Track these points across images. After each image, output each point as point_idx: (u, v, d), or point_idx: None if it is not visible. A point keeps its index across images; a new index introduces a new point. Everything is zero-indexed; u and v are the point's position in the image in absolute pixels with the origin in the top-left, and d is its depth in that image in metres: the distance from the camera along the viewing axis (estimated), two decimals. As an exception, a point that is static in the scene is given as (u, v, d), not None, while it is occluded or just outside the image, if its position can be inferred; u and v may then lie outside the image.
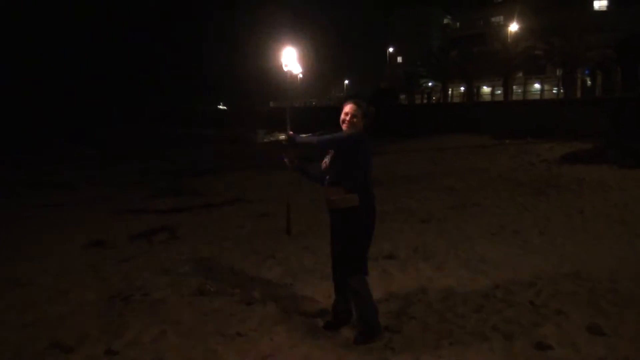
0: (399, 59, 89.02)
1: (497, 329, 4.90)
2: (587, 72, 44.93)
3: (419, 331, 4.89)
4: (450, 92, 60.85)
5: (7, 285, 6.82)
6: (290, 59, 4.99)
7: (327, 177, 4.68)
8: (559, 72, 48.34)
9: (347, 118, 4.64)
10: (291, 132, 4.84)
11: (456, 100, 59.00)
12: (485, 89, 61.58)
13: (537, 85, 56.23)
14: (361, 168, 4.56)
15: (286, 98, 5.29)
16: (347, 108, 4.67)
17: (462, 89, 60.64)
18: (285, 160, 4.93)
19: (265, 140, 54.03)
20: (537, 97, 49.69)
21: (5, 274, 7.36)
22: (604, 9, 61.27)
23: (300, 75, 5.09)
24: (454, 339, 4.71)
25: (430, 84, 66.04)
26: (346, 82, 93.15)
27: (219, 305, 5.71)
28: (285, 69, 5.03)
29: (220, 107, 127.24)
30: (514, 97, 50.19)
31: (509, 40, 51.49)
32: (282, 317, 5.29)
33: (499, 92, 53.59)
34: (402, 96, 66.37)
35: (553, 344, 4.56)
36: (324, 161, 4.75)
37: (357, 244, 4.64)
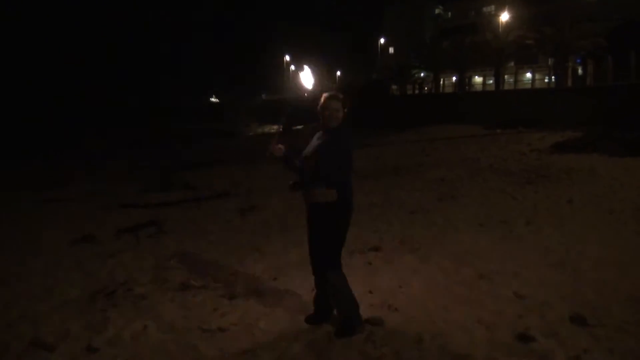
0: (391, 50, 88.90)
1: (481, 320, 4.88)
2: (578, 61, 44.88)
3: (401, 324, 4.87)
4: (442, 82, 60.77)
5: (-8, 282, 6.78)
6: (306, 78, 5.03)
7: (307, 170, 4.62)
8: (550, 62, 48.29)
9: (331, 114, 4.59)
10: (280, 147, 4.76)
11: (448, 90, 58.93)
12: (477, 79, 61.51)
13: (528, 75, 56.18)
14: (341, 163, 4.52)
15: (286, 115, 5.35)
16: (328, 103, 4.61)
17: (454, 79, 60.56)
18: (271, 152, 4.81)
19: (257, 133, 53.90)
20: (529, 86, 49.61)
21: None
22: (595, -2, 61.33)
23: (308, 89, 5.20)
24: (437, 331, 4.69)
25: (422, 74, 65.93)
26: (338, 73, 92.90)
27: (202, 300, 5.69)
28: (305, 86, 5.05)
29: (213, 99, 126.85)
30: (506, 87, 50.14)
31: (500, 30, 51.44)
32: (264, 312, 5.27)
33: (491, 81, 53.52)
34: (394, 87, 66.27)
35: (536, 335, 4.55)
36: (304, 154, 4.69)
37: (333, 239, 4.62)
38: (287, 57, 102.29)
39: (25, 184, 17.65)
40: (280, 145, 4.75)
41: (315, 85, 5.12)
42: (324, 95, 4.68)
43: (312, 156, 4.56)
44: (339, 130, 4.60)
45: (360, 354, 4.34)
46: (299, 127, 44.54)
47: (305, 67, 5.32)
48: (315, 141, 4.67)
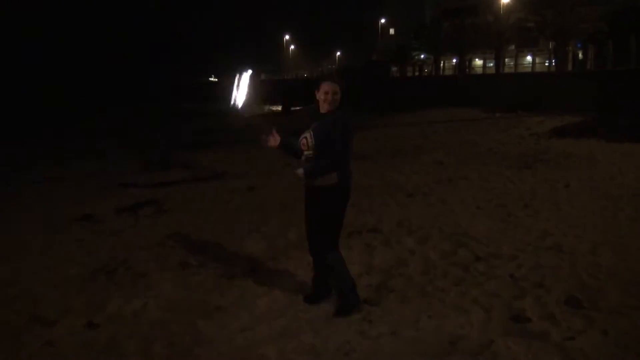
0: (391, 31, 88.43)
1: (477, 301, 4.93)
2: (579, 45, 44.74)
3: (398, 304, 4.93)
4: (442, 64, 60.59)
5: (-7, 261, 6.83)
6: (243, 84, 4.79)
7: (306, 153, 4.65)
8: (551, 45, 48.12)
9: (329, 97, 4.60)
10: (275, 135, 4.77)
11: (448, 72, 58.76)
12: (478, 62, 61.27)
13: (529, 58, 56.07)
14: (340, 146, 4.50)
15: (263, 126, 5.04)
16: (327, 87, 4.62)
17: (454, 61, 60.36)
18: (265, 138, 4.82)
19: (256, 113, 53.77)
20: (529, 69, 49.54)
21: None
22: (598, -19, 61.01)
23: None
24: (433, 312, 4.74)
25: (422, 56, 65.70)
26: (338, 53, 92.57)
27: (201, 279, 5.75)
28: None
29: (212, 79, 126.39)
30: (506, 70, 50.01)
31: (501, 12, 51.21)
32: (263, 291, 5.32)
33: (491, 64, 53.40)
34: (394, 68, 66.05)
35: (531, 317, 4.60)
36: (303, 137, 4.69)
37: (332, 221, 4.67)
38: (287, 37, 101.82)
39: (26, 162, 17.71)
40: (275, 134, 4.77)
41: (249, 98, 4.81)
42: (325, 81, 4.69)
43: (310, 139, 4.58)
44: (337, 112, 4.62)
45: (358, 333, 4.39)
46: (298, 108, 44.48)
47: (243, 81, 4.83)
48: (314, 124, 4.67)
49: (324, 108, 4.63)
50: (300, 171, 4.52)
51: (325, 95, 4.61)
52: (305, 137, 4.63)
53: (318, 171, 4.51)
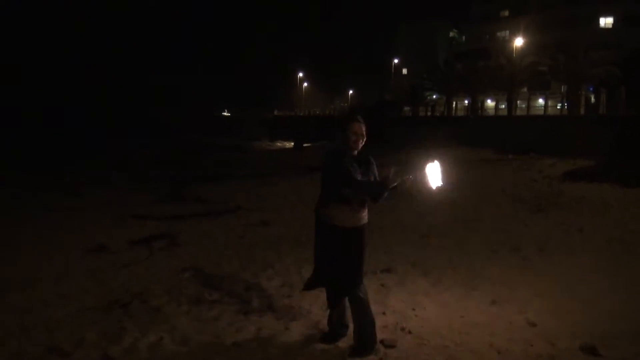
0: (404, 71, 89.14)
1: (493, 345, 4.92)
2: (591, 89, 44.88)
3: (414, 346, 4.92)
4: (454, 105, 60.83)
5: (7, 288, 6.87)
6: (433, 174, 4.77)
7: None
8: (563, 89, 48.31)
9: (360, 139, 4.74)
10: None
11: (460, 113, 58.96)
12: (490, 103, 61.53)
13: (541, 101, 56.20)
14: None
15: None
16: (358, 128, 4.72)
17: (467, 102, 60.65)
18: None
19: (270, 148, 54.07)
20: (541, 112, 49.61)
21: (6, 276, 7.41)
22: (610, 26, 61.57)
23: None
24: (449, 355, 4.73)
25: (434, 96, 66.09)
26: (350, 92, 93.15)
27: (217, 314, 5.76)
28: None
29: (225, 114, 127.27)
30: (518, 112, 50.16)
31: (514, 55, 51.58)
32: (279, 329, 5.32)
33: (503, 106, 53.51)
34: (406, 108, 66.43)
35: (547, 363, 4.58)
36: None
37: (364, 256, 4.82)
38: (300, 74, 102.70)
39: (40, 190, 17.84)
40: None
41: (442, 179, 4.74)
42: (354, 121, 4.78)
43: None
44: (366, 151, 4.83)
45: (374, 375, 4.39)
46: (308, 144, 44.68)
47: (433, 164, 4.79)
48: (364, 166, 4.81)
49: (353, 148, 4.73)
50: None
51: (357, 136, 4.74)
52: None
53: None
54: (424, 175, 4.68)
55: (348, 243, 4.74)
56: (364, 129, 4.75)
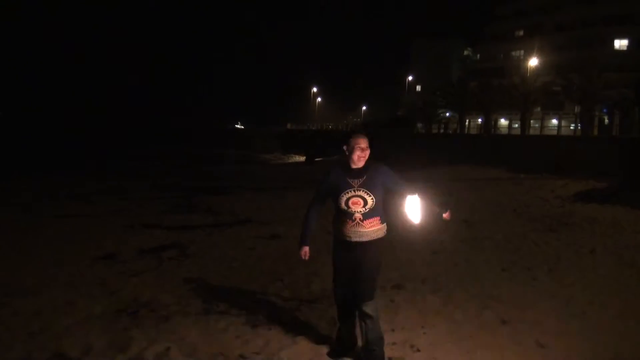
0: (418, 88, 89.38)
1: (502, 366, 4.88)
2: (604, 110, 44.85)
3: (423, 364, 4.88)
4: (467, 123, 60.89)
5: (16, 293, 6.91)
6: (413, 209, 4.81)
7: (359, 210, 4.67)
8: (577, 109, 48.28)
9: (359, 152, 4.67)
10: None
11: (473, 131, 58.98)
12: (503, 122, 61.58)
13: (554, 121, 56.14)
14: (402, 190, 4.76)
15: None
16: (356, 142, 4.67)
17: (480, 120, 60.66)
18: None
19: (279, 161, 54.19)
20: (554, 132, 49.55)
21: (14, 281, 7.45)
22: (624, 49, 61.50)
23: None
24: (458, 374, 4.69)
25: (447, 114, 66.16)
26: (364, 108, 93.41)
27: (224, 326, 5.74)
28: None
29: (238, 126, 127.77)
30: (531, 132, 50.11)
31: (528, 74, 51.64)
32: (287, 342, 5.30)
33: (516, 125, 53.58)
34: (419, 125, 66.53)
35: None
36: (352, 197, 4.68)
37: (372, 272, 4.74)
38: (315, 89, 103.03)
39: (52, 197, 17.97)
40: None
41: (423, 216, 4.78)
42: (358, 135, 4.75)
43: (370, 198, 4.65)
44: (375, 163, 4.74)
45: (381, 392, 4.35)
46: (319, 158, 44.77)
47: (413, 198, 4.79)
48: (356, 181, 4.68)
49: (360, 163, 4.69)
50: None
51: (361, 151, 4.66)
52: (358, 197, 4.64)
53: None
54: (402, 210, 4.71)
55: (353, 257, 4.73)
56: (363, 141, 4.67)
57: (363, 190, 4.62)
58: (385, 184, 4.70)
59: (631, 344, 5.47)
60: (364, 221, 4.63)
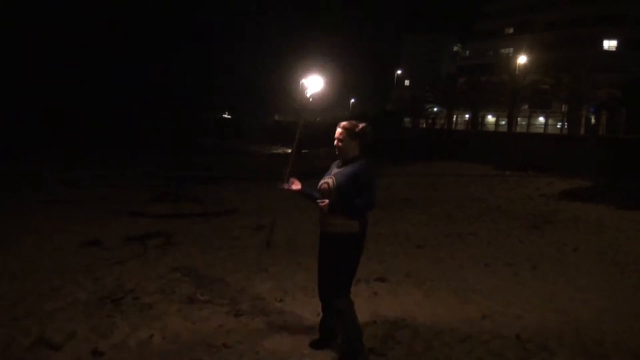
0: (407, 82, 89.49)
1: (482, 360, 4.93)
2: (592, 110, 45.03)
3: (403, 356, 4.92)
4: (455, 118, 60.98)
5: (1, 278, 6.90)
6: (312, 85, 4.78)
7: (327, 200, 4.55)
8: (564, 108, 48.50)
9: (339, 144, 4.68)
10: (297, 184, 4.84)
11: (460, 127, 59.09)
12: (490, 119, 61.66)
13: (541, 119, 56.29)
14: (362, 196, 4.52)
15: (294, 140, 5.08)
16: (337, 134, 4.69)
17: (467, 116, 60.80)
18: (283, 187, 4.88)
19: (267, 152, 54.12)
20: (541, 130, 49.69)
21: (0, 266, 7.44)
22: (614, 49, 61.85)
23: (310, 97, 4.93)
24: (438, 366, 4.74)
25: (435, 109, 66.25)
26: (352, 100, 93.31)
27: (208, 315, 5.76)
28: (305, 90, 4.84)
29: (225, 116, 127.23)
30: (518, 129, 50.26)
31: (517, 72, 51.78)
32: (269, 332, 5.33)
33: (503, 122, 53.67)
34: (407, 119, 66.57)
35: (535, 380, 4.58)
36: (324, 182, 4.69)
37: (348, 269, 4.64)
38: (302, 81, 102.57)
39: (40, 182, 17.92)
40: (295, 183, 4.83)
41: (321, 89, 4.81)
42: (341, 125, 4.75)
43: (333, 185, 4.62)
44: (360, 160, 4.66)
45: (362, 383, 4.39)
46: (306, 150, 44.74)
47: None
48: (336, 170, 4.70)
49: (341, 155, 4.72)
50: (327, 202, 4.49)
51: (340, 142, 4.68)
52: (327, 182, 4.67)
53: (351, 210, 4.51)
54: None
55: (321, 250, 4.73)
56: (337, 132, 4.67)
57: (332, 180, 4.62)
58: (352, 181, 4.55)
59: (610, 344, 5.54)
60: (330, 213, 4.52)
